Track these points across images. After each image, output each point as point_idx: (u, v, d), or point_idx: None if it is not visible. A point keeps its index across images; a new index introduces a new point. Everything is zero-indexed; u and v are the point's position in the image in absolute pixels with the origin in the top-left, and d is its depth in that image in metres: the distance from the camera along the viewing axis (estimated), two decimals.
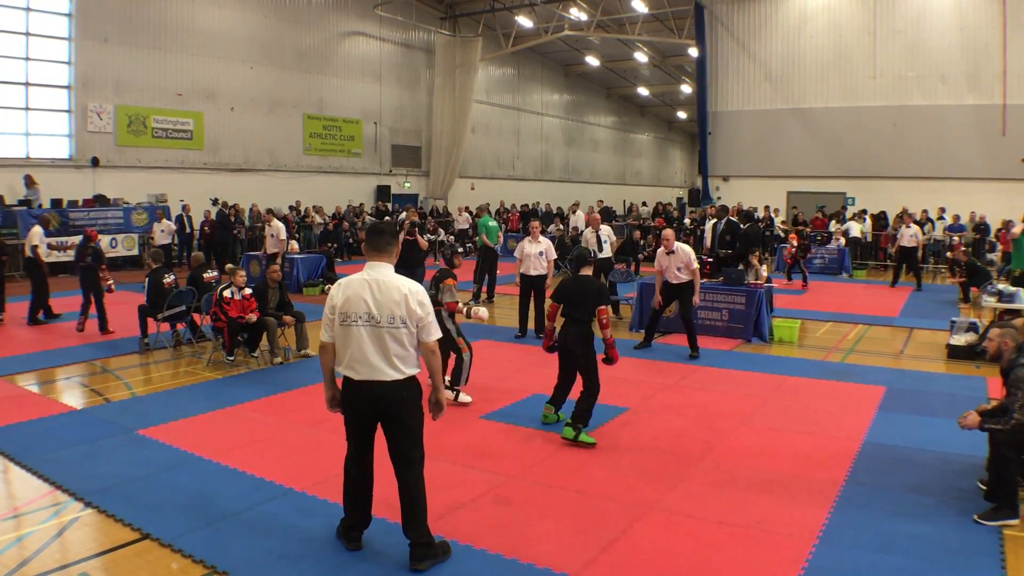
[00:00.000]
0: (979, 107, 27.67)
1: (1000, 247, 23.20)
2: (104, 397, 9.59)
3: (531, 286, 13.37)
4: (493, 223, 17.81)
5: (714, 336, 13.41)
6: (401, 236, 13.90)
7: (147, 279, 12.43)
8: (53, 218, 16.30)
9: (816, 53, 30.68)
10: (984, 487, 6.37)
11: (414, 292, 5.16)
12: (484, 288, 17.38)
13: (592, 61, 42.42)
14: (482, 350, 12.44)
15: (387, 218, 28.25)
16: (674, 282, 12.08)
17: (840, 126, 30.46)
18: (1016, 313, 11.69)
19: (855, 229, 25.73)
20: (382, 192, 34.42)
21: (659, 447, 7.75)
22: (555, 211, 34.32)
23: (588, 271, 8.30)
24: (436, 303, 9.16)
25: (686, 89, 46.47)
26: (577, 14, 34.36)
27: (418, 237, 14.02)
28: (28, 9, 22.76)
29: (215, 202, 24.99)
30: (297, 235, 25.37)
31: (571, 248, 23.33)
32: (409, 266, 13.96)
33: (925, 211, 25.82)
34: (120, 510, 6.07)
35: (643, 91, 50.58)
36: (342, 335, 5.19)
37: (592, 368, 7.94)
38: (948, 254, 21.72)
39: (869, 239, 26.75)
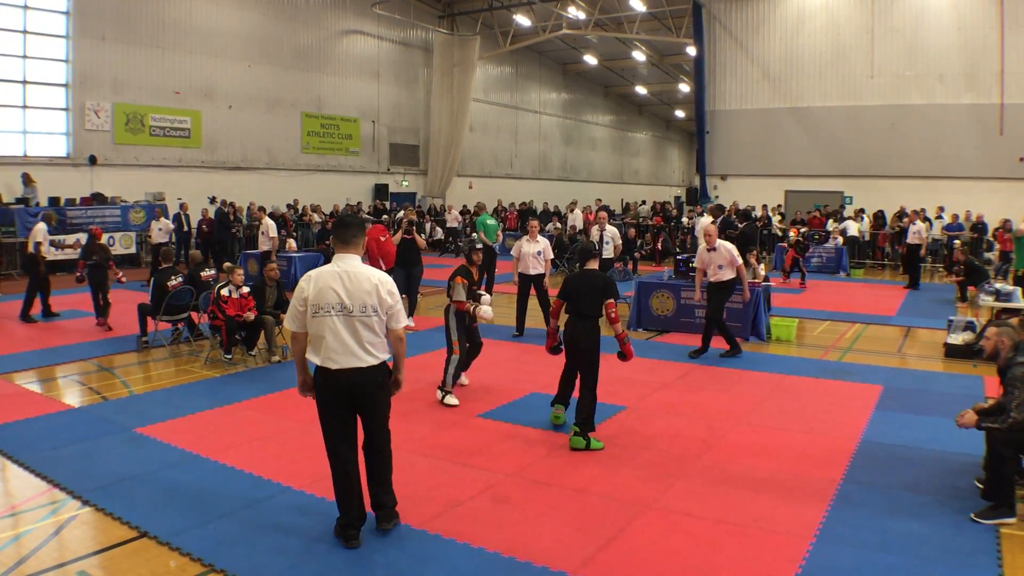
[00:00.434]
0: (977, 106, 27.71)
1: (998, 246, 23.21)
2: (102, 395, 9.59)
3: (529, 285, 13.36)
4: (492, 221, 17.81)
5: (712, 335, 13.41)
6: (399, 235, 13.89)
7: (152, 279, 12.44)
8: (53, 216, 16.27)
9: (814, 52, 30.71)
10: (981, 486, 6.37)
11: (384, 283, 5.39)
12: (483, 287, 17.36)
13: (590, 60, 42.43)
14: (482, 348, 12.45)
15: (385, 216, 28.22)
16: (714, 280, 11.78)
17: (838, 125, 30.49)
18: (1014, 312, 11.71)
19: (853, 228, 25.75)
20: (380, 191, 34.40)
21: (657, 446, 7.76)
22: (553, 210, 34.34)
23: (594, 265, 8.16)
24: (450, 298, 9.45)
25: (684, 88, 46.50)
26: (575, 13, 34.37)
27: (416, 236, 14.00)
28: (26, 7, 22.75)
29: (213, 200, 24.98)
30: (295, 233, 25.35)
31: (569, 247, 23.43)
32: (407, 264, 13.95)
33: (923, 210, 25.83)
34: (118, 508, 6.07)
35: (641, 90, 50.58)
36: (315, 326, 5.33)
37: (596, 365, 7.83)
38: (953, 256, 21.73)
39: (867, 238, 26.76)
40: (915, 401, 9.42)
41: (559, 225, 28.21)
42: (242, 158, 28.96)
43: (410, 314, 14.27)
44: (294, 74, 30.68)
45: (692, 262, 14.26)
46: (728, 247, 11.75)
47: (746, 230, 16.00)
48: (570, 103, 48.22)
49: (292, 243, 21.52)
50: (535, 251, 13.22)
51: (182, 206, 23.58)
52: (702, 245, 11.95)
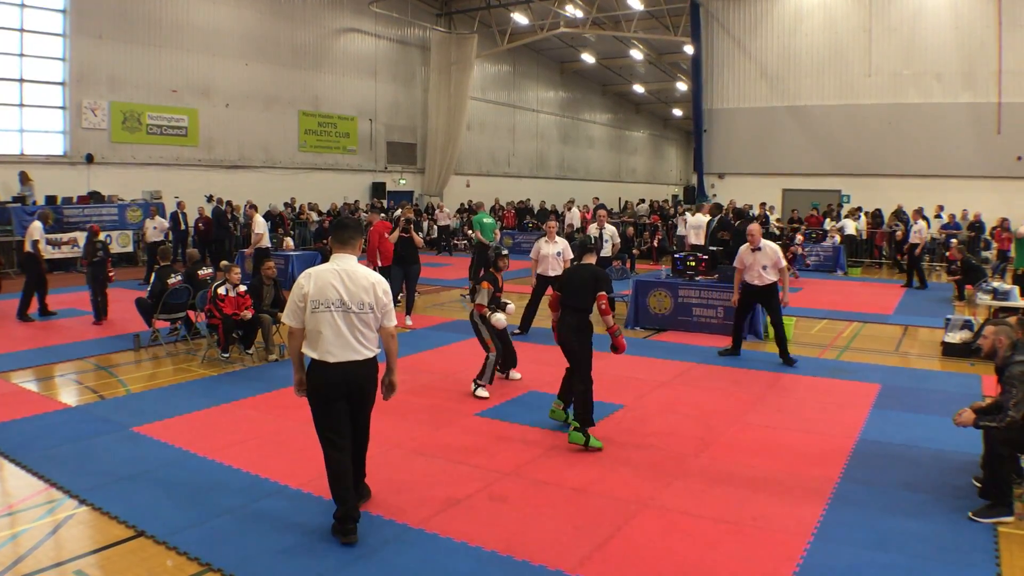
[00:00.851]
0: (974, 105, 27.73)
1: (995, 245, 23.27)
2: (99, 394, 9.58)
3: (547, 286, 13.32)
4: (489, 220, 17.78)
5: (709, 333, 13.42)
6: (396, 233, 13.87)
7: (153, 275, 12.43)
8: (49, 214, 16.24)
9: (812, 51, 30.72)
10: (979, 484, 6.37)
11: (379, 283, 5.65)
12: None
13: (588, 58, 42.42)
14: (478, 348, 12.43)
15: (383, 214, 28.19)
16: (757, 283, 11.27)
17: (835, 124, 30.52)
18: (1011, 311, 11.72)
19: (850, 227, 25.77)
20: (377, 189, 34.38)
21: (654, 444, 7.76)
22: (550, 209, 34.33)
23: (591, 259, 8.15)
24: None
25: (682, 86, 46.51)
26: (573, 11, 34.36)
27: (413, 234, 13.98)
28: (23, 5, 22.73)
29: (210, 199, 24.94)
30: (292, 232, 25.34)
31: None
32: (404, 262, 13.94)
33: (920, 209, 25.85)
34: (115, 507, 6.06)
35: (639, 88, 50.57)
36: (313, 321, 5.52)
37: (585, 360, 7.73)
38: (948, 253, 21.75)
39: (864, 237, 26.78)
40: (912, 400, 9.43)
41: (556, 223, 28.14)
42: (239, 156, 28.93)
43: (408, 312, 14.27)
44: (291, 72, 30.65)
45: (690, 260, 14.30)
46: (774, 247, 11.34)
47: (742, 228, 15.95)
48: (568, 102, 48.22)
49: (289, 241, 21.49)
50: (555, 252, 13.19)
51: (179, 205, 23.55)
52: (746, 246, 11.34)
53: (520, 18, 35.54)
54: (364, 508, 6.05)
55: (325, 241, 23.84)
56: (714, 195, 32.06)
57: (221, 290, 11.10)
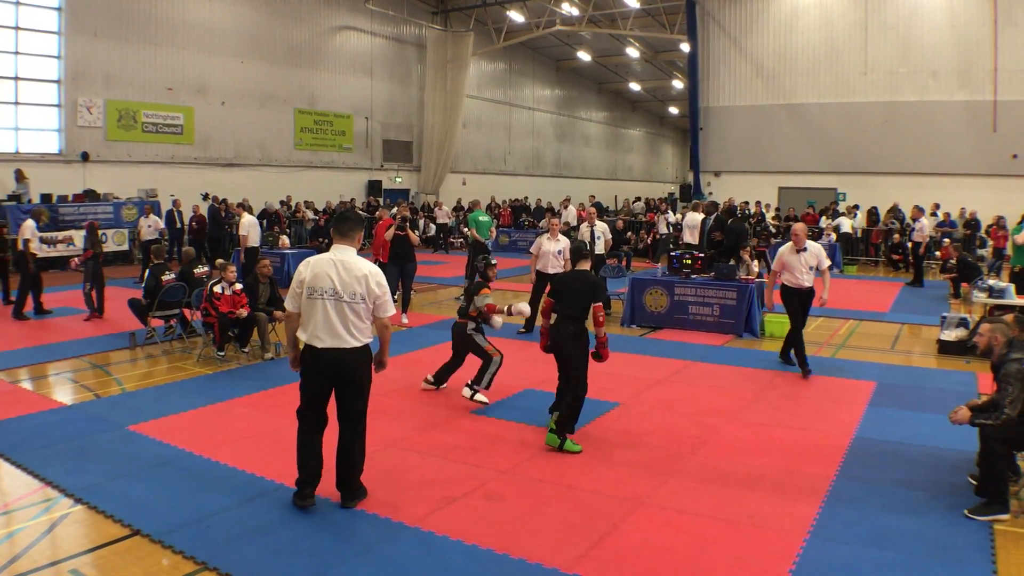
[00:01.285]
0: (970, 103, 27.79)
1: (991, 243, 23.29)
2: (95, 393, 9.56)
3: (546, 284, 13.30)
4: (484, 217, 17.78)
5: (705, 331, 13.44)
6: (391, 231, 13.86)
7: (148, 272, 12.42)
8: (44, 213, 16.19)
9: (807, 49, 30.75)
10: (975, 482, 6.39)
11: (373, 274, 5.87)
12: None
13: (584, 56, 42.37)
14: None
15: (378, 212, 28.17)
16: (793, 286, 10.58)
17: (831, 122, 30.56)
18: (1008, 309, 11.73)
19: (846, 225, 25.79)
20: (373, 187, 34.34)
21: (650, 442, 7.76)
22: (546, 206, 34.35)
23: (585, 265, 8.02)
24: (465, 315, 9.27)
25: (678, 85, 46.50)
26: (569, 9, 34.33)
27: (409, 232, 13.97)
28: (17, 3, 22.66)
29: (205, 197, 24.89)
30: (288, 230, 25.30)
31: None
32: (400, 260, 13.92)
33: (917, 207, 25.89)
34: (110, 506, 6.05)
35: (635, 86, 50.57)
36: (308, 307, 5.87)
37: (582, 368, 7.63)
38: (938, 253, 21.81)
39: (859, 235, 26.81)
40: (908, 397, 9.45)
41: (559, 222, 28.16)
42: (235, 154, 28.88)
43: (404, 310, 14.27)
44: (287, 70, 30.60)
45: (687, 259, 14.30)
46: (819, 247, 10.71)
47: (735, 226, 15.95)
48: (564, 99, 48.19)
49: (285, 240, 21.46)
50: (556, 250, 13.14)
51: (175, 203, 23.52)
52: (787, 246, 10.72)
53: (516, 16, 35.51)
54: (360, 506, 6.06)
55: (321, 239, 23.85)
56: (710, 193, 32.11)
57: (217, 288, 11.09)
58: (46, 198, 22.04)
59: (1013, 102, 26.95)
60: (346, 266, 5.82)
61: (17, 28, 22.80)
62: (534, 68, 44.67)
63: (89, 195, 23.23)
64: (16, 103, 23.08)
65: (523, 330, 13.36)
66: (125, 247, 23.61)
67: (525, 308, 9.48)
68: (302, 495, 6.01)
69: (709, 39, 32.67)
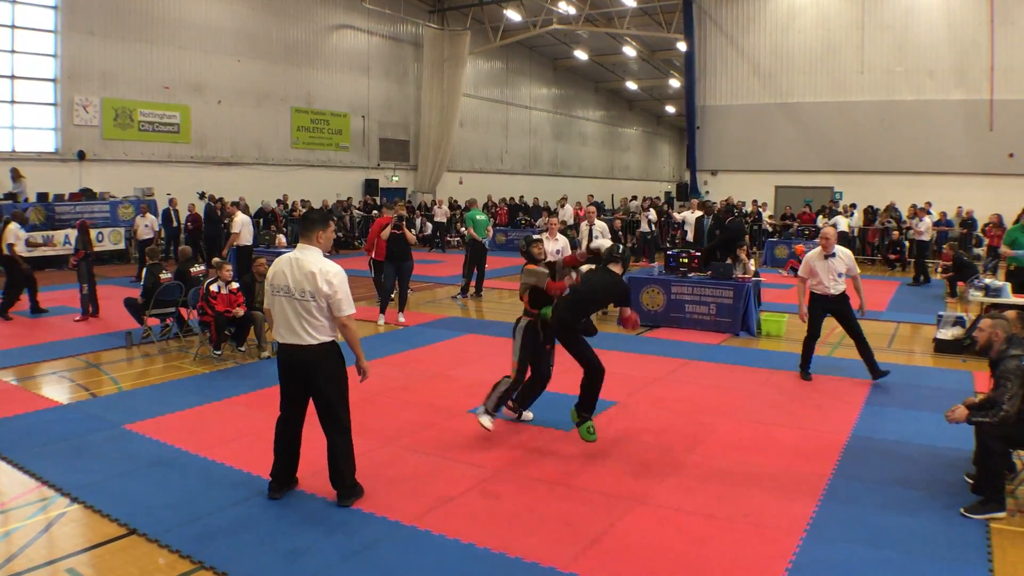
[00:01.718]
0: (967, 102, 27.83)
1: (987, 241, 23.30)
2: (91, 392, 9.55)
3: None
4: (481, 216, 17.79)
5: (702, 330, 13.44)
6: (388, 229, 13.84)
7: (145, 271, 12.40)
8: (35, 213, 16.15)
9: (804, 48, 30.78)
10: (971, 481, 6.39)
11: (323, 271, 5.87)
12: (473, 283, 17.37)
13: (580, 55, 42.39)
14: (471, 345, 12.46)
15: (375, 211, 28.19)
16: (833, 292, 10.07)
17: (828, 121, 30.59)
18: (1004, 307, 11.73)
19: (842, 224, 25.77)
20: (370, 186, 34.34)
21: (647, 441, 7.76)
22: (543, 205, 34.34)
23: (616, 268, 7.87)
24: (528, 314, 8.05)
25: (674, 83, 46.51)
26: (566, 8, 34.34)
27: (406, 231, 13.96)
28: (14, 1, 22.66)
29: (202, 196, 24.88)
30: (285, 229, 25.28)
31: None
32: (397, 259, 13.91)
33: (914, 206, 25.96)
34: (107, 505, 6.05)
35: (631, 85, 50.60)
36: (272, 304, 6.09)
37: (582, 349, 7.56)
38: (940, 260, 21.85)
39: (856, 234, 26.83)
40: (905, 396, 9.45)
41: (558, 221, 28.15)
42: (231, 153, 28.87)
43: (401, 309, 14.27)
44: (284, 69, 30.58)
45: (682, 258, 14.31)
46: (848, 253, 10.28)
47: (730, 225, 15.96)
48: (560, 98, 48.20)
49: (282, 238, 21.45)
50: (554, 249, 13.16)
51: (171, 201, 23.52)
52: (815, 251, 10.28)
53: (513, 15, 35.50)
54: (357, 505, 6.06)
55: None
56: (707, 192, 32.14)
57: (213, 287, 11.08)
58: (42, 197, 22.03)
59: (1010, 101, 26.99)
60: (299, 264, 5.91)
61: (13, 26, 22.78)
62: (531, 67, 44.67)
63: (85, 194, 23.25)
64: (12, 102, 23.07)
65: None
66: (121, 246, 23.59)
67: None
68: (270, 487, 6.25)
69: (706, 38, 32.69)
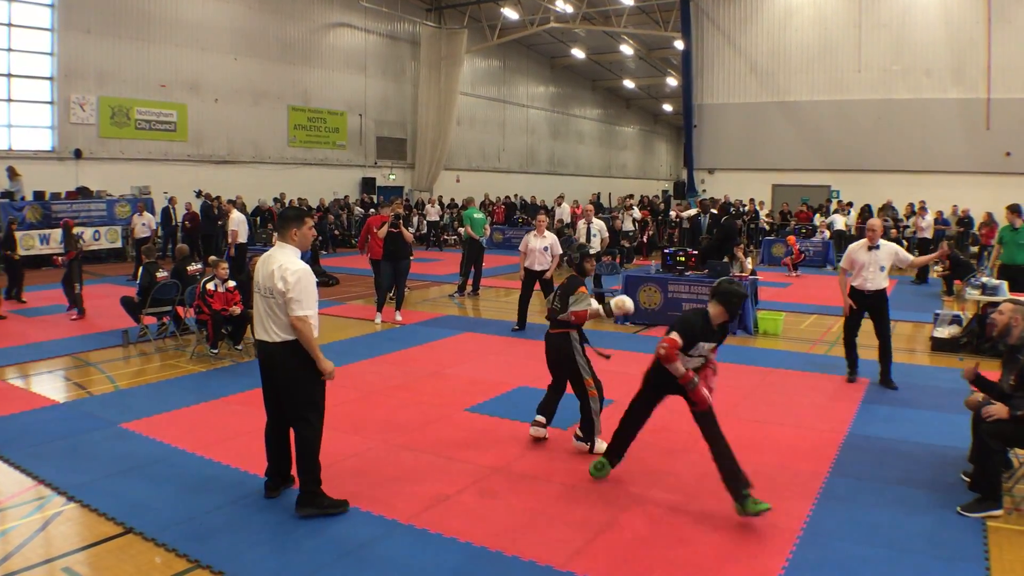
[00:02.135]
0: (964, 101, 27.85)
1: (983, 241, 23.32)
2: (87, 391, 9.54)
3: (534, 280, 13.34)
4: (479, 215, 17.79)
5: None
6: (385, 228, 13.83)
7: (142, 269, 12.39)
8: (32, 211, 16.14)
9: (802, 46, 30.80)
10: (967, 479, 6.39)
11: (284, 269, 5.77)
12: (470, 281, 17.37)
13: (578, 53, 42.39)
14: (468, 343, 12.46)
15: (372, 210, 28.17)
16: (870, 287, 9.69)
17: (825, 119, 30.61)
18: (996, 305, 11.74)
19: (839, 222, 25.82)
20: (367, 184, 34.34)
21: (643, 439, 7.71)
22: (540, 203, 34.32)
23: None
24: (563, 322, 7.43)
25: (672, 82, 46.52)
26: (563, 6, 34.33)
27: (403, 229, 13.94)
28: (10, 0, 22.59)
29: (199, 194, 24.85)
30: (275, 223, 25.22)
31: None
32: (394, 258, 13.89)
33: (911, 204, 25.99)
34: (103, 504, 6.04)
35: (629, 84, 50.61)
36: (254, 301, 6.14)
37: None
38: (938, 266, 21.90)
39: (853, 232, 26.84)
40: (901, 394, 9.44)
41: (546, 219, 28.10)
42: (228, 152, 28.84)
43: (398, 308, 14.26)
44: (281, 67, 30.56)
45: (679, 256, 14.31)
46: (894, 246, 9.91)
47: (726, 223, 15.98)
48: (558, 97, 48.20)
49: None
50: (542, 246, 13.20)
51: (171, 200, 23.51)
52: (859, 243, 9.88)
53: (510, 13, 35.50)
54: (353, 504, 6.04)
55: (315, 236, 23.73)
56: (703, 190, 32.16)
57: (210, 285, 11.08)
58: (39, 195, 22.01)
59: (1006, 100, 27.02)
60: (268, 261, 5.92)
61: (10, 25, 22.74)
62: (528, 65, 44.67)
63: (82, 192, 23.23)
64: (9, 100, 23.03)
65: (517, 327, 13.36)
66: (118, 244, 23.57)
67: (629, 304, 7.74)
68: (266, 487, 6.28)
69: (703, 36, 32.70)
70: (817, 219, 26.50)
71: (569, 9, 34.38)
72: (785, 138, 31.48)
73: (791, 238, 22.49)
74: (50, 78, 23.69)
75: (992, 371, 6.66)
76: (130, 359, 11.37)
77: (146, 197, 23.72)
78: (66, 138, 23.89)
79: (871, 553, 5.33)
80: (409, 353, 11.60)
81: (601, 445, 7.18)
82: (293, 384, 5.91)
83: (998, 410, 6.04)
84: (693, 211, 21.16)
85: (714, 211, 18.50)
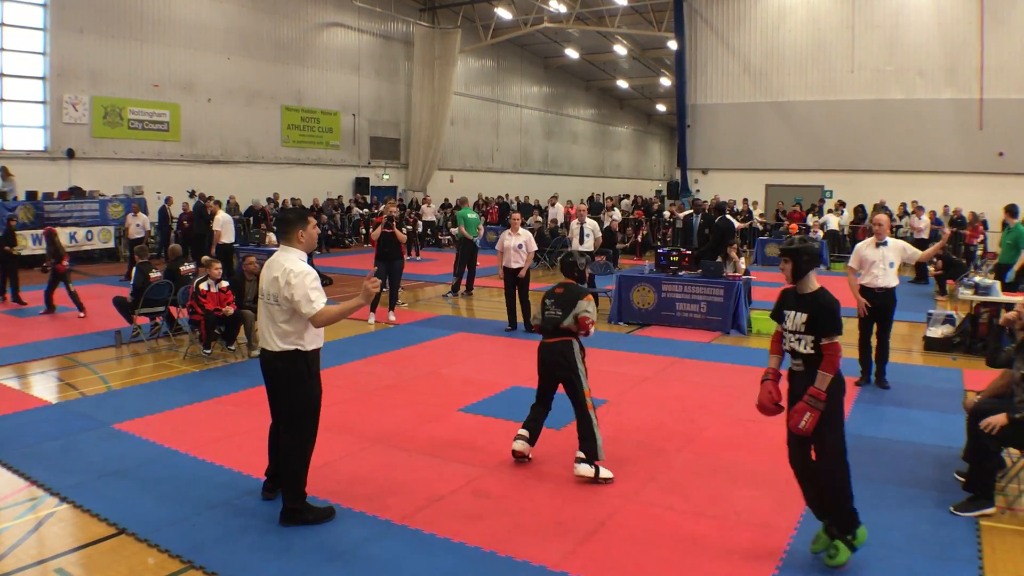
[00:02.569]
0: (957, 101, 27.89)
1: (967, 240, 23.40)
2: (79, 391, 9.51)
3: (513, 279, 13.34)
4: (472, 215, 17.78)
5: (692, 328, 13.45)
6: (379, 229, 13.82)
7: (135, 269, 12.36)
8: (24, 211, 16.11)
9: (795, 47, 30.82)
10: (961, 478, 6.39)
11: (287, 272, 5.59)
12: (464, 281, 17.36)
13: (572, 53, 42.37)
14: (462, 343, 12.46)
15: (366, 209, 28.15)
16: (881, 285, 9.54)
17: (818, 119, 30.64)
18: (994, 305, 11.77)
19: (833, 222, 25.84)
20: (361, 184, 34.28)
21: (638, 439, 7.76)
22: (534, 204, 34.31)
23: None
24: (563, 331, 6.98)
25: (665, 82, 46.52)
26: (556, 6, 34.31)
27: (396, 230, 13.94)
28: None
29: (192, 194, 24.81)
30: (275, 227, 25.18)
31: (550, 240, 23.41)
32: (387, 259, 13.88)
33: (903, 204, 26.05)
34: (96, 505, 6.03)
35: (622, 84, 50.61)
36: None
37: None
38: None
39: (846, 232, 26.89)
40: (895, 394, 9.46)
41: (540, 219, 28.18)
42: (221, 151, 28.78)
43: (391, 308, 14.25)
44: (274, 67, 30.50)
45: (673, 256, 14.32)
46: (902, 242, 9.89)
47: (719, 223, 15.97)
48: (551, 97, 48.21)
49: (272, 237, 21.35)
50: (516, 244, 13.22)
51: (167, 200, 23.47)
52: (866, 240, 9.83)
53: (504, 13, 35.47)
54: (347, 504, 6.04)
55: None
56: (697, 191, 32.19)
57: (203, 286, 11.05)
58: (31, 195, 21.94)
59: (999, 100, 27.07)
60: (272, 266, 5.77)
61: (2, 24, 22.68)
62: (522, 65, 44.67)
63: (75, 192, 23.16)
64: (1, 100, 22.94)
65: (509, 328, 13.37)
66: (111, 245, 23.52)
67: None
68: (264, 487, 6.23)
69: (697, 36, 32.71)
70: (811, 219, 26.52)
71: (563, 9, 34.38)
72: (778, 138, 31.51)
73: (793, 227, 22.45)
74: (43, 78, 23.60)
75: (980, 370, 6.67)
76: (123, 359, 11.34)
77: (139, 197, 23.66)
78: (59, 138, 23.82)
79: (865, 552, 5.32)
80: (403, 353, 11.60)
81: (606, 473, 6.64)
82: (287, 393, 5.81)
83: (998, 420, 5.98)
84: (688, 211, 21.13)
85: (706, 212, 18.48)
